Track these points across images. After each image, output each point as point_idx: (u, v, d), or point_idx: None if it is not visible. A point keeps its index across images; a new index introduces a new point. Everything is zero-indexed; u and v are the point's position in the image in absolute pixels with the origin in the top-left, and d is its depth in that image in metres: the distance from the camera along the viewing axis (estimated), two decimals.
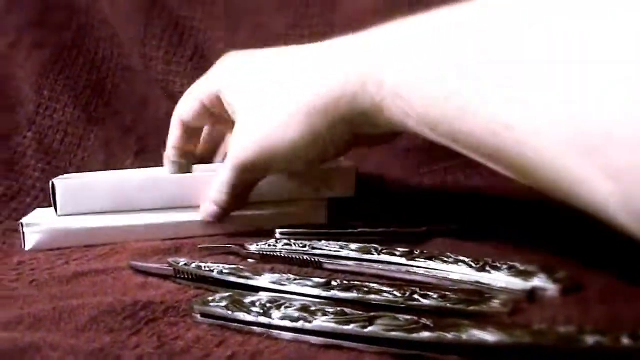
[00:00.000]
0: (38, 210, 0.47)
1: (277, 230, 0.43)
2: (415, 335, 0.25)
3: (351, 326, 0.26)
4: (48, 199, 0.49)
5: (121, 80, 0.63)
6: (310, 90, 0.36)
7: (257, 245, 0.40)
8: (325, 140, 0.37)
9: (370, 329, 0.26)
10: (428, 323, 0.25)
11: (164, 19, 0.62)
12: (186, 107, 0.45)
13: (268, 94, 0.38)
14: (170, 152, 0.46)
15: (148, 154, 0.59)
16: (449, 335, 0.24)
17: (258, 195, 0.45)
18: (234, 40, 0.62)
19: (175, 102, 0.59)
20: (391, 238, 0.41)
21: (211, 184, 0.43)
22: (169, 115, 0.63)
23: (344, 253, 0.38)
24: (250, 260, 0.40)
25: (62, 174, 0.52)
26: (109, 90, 0.62)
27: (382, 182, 0.52)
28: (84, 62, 0.62)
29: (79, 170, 0.55)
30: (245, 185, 0.43)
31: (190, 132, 0.46)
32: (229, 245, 0.41)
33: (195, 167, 0.48)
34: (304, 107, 0.36)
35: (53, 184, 0.43)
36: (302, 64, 0.38)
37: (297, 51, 0.39)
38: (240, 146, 0.40)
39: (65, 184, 0.43)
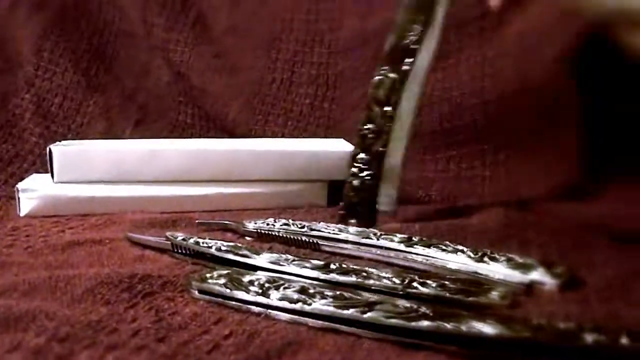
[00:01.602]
0: (34, 175, 0.47)
1: None
2: (414, 324, 0.25)
3: (350, 311, 0.26)
4: (45, 165, 0.49)
5: (122, 46, 0.61)
6: None
7: (255, 223, 0.40)
8: None
9: (369, 314, 0.26)
10: (427, 312, 0.25)
11: None
12: None
13: None
14: None
15: (148, 123, 0.58)
16: (449, 326, 0.24)
17: (258, 173, 0.44)
18: (237, 10, 0.60)
19: (177, 71, 0.58)
20: None
21: (211, 161, 0.42)
22: (170, 84, 0.62)
23: (342, 236, 0.37)
24: (247, 238, 0.40)
25: (60, 139, 0.52)
26: (109, 56, 0.61)
27: None
28: (86, 25, 0.61)
29: (78, 136, 0.55)
30: None
31: None
32: (226, 222, 0.41)
33: (193, 141, 0.48)
34: None
35: (50, 150, 0.42)
36: None
37: None
38: None
39: (62, 151, 0.42)
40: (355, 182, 0.39)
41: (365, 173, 0.39)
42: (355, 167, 0.39)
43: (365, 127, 0.39)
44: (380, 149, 0.38)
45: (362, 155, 0.39)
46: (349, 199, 0.40)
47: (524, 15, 0.48)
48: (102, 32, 0.61)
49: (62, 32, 0.59)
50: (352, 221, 0.40)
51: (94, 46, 0.60)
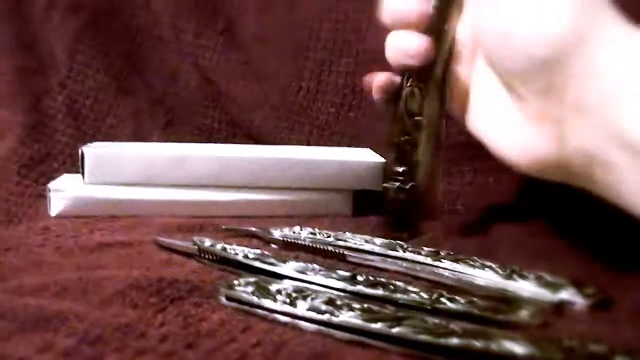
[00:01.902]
0: (65, 176, 0.47)
1: None
2: (443, 340, 0.24)
3: (378, 324, 0.26)
4: (75, 165, 0.50)
5: (153, 50, 0.62)
6: None
7: (281, 231, 0.40)
8: None
9: (398, 329, 0.25)
10: (456, 329, 0.25)
11: None
12: None
13: None
14: None
15: (176, 127, 0.59)
16: (478, 344, 0.24)
17: (285, 180, 0.44)
18: (266, 18, 0.61)
19: (205, 76, 0.58)
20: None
21: (239, 167, 0.43)
22: (198, 89, 0.63)
23: (368, 247, 0.37)
24: (273, 246, 0.40)
25: (90, 141, 0.52)
26: (140, 60, 0.62)
27: None
28: (118, 29, 0.61)
29: (107, 137, 0.55)
30: None
31: None
32: (252, 229, 0.41)
33: (222, 146, 0.48)
34: None
35: (82, 152, 0.43)
36: None
37: None
38: None
39: (94, 153, 0.43)
40: (400, 194, 0.39)
41: (409, 185, 0.39)
42: (395, 179, 0.39)
43: (402, 138, 0.39)
44: (417, 158, 0.39)
45: (400, 167, 0.39)
46: (395, 211, 0.40)
47: None
48: (134, 36, 0.62)
49: (95, 36, 0.60)
50: (398, 234, 0.40)
51: (126, 50, 0.61)
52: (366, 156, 0.49)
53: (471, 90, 0.36)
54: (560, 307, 0.30)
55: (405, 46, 0.37)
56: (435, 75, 0.37)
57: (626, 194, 0.28)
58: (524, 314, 0.28)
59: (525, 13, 0.29)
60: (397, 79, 0.39)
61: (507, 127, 0.33)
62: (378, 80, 0.39)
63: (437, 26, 0.36)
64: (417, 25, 0.36)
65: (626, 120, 0.27)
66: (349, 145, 0.54)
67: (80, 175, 0.44)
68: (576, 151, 0.29)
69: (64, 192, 0.43)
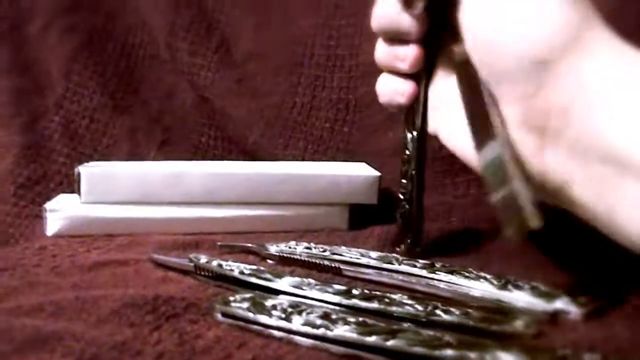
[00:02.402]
0: (62, 195, 0.48)
1: None
2: (438, 352, 0.25)
3: (373, 338, 0.26)
4: (71, 185, 0.50)
5: (149, 69, 0.63)
6: None
7: (277, 246, 0.40)
8: None
9: (392, 342, 0.26)
10: (451, 340, 0.25)
11: (192, 8, 0.62)
12: None
13: None
14: None
15: (173, 145, 0.59)
16: (472, 355, 0.24)
17: (280, 196, 0.45)
18: (261, 36, 0.62)
19: (201, 94, 0.59)
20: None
21: (234, 183, 0.43)
22: (194, 107, 0.63)
23: (364, 261, 0.37)
24: (269, 261, 0.40)
25: (86, 160, 0.53)
26: (136, 79, 0.62)
27: None
28: (114, 48, 0.62)
29: (103, 157, 0.56)
30: None
31: None
32: (248, 245, 0.41)
33: (217, 163, 0.48)
34: None
35: (79, 171, 0.43)
36: None
37: None
38: None
39: (90, 172, 0.43)
40: (404, 206, 0.40)
41: (408, 197, 0.39)
42: (401, 192, 0.40)
43: (405, 154, 0.39)
44: (412, 172, 0.39)
45: (403, 180, 0.40)
46: (402, 222, 0.40)
47: None
48: (129, 55, 0.62)
49: (91, 55, 0.60)
50: (401, 244, 0.40)
51: (121, 69, 0.62)
52: (361, 170, 0.49)
53: (445, 106, 0.36)
54: (555, 317, 0.30)
55: (395, 88, 0.37)
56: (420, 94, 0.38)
57: (604, 214, 0.28)
58: (518, 324, 0.28)
59: (516, 15, 0.30)
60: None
61: None
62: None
63: (429, 42, 0.36)
64: (407, 33, 0.36)
65: (610, 133, 0.27)
66: (344, 160, 0.55)
67: (76, 195, 0.44)
68: (555, 165, 0.29)
69: (61, 212, 0.43)
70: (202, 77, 0.61)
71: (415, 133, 0.38)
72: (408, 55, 0.36)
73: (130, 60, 0.63)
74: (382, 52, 0.38)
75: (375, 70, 0.51)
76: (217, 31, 0.63)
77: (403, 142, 0.39)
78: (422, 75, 0.37)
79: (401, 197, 0.40)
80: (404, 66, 0.37)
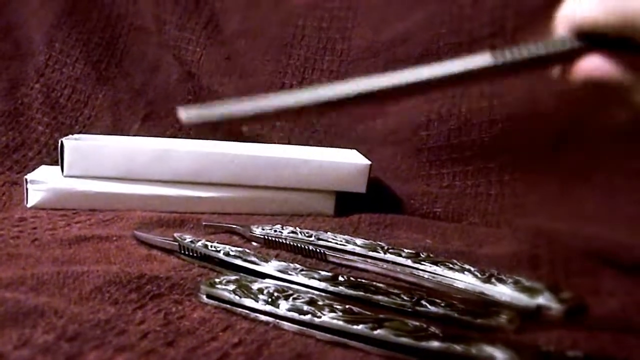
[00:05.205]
0: (43, 167, 0.46)
1: None
2: (424, 344, 0.25)
3: (360, 326, 0.26)
4: (50, 154, 0.49)
5: (134, 41, 0.61)
6: None
7: (263, 229, 0.40)
8: None
9: (379, 331, 0.26)
10: (437, 332, 0.26)
11: None
12: None
13: None
14: None
15: (156, 120, 0.58)
16: (459, 348, 0.24)
17: (267, 179, 0.44)
18: (250, 13, 0.61)
19: (187, 70, 0.57)
20: None
21: (221, 164, 0.42)
22: (179, 82, 0.62)
23: (349, 247, 0.38)
24: (254, 243, 0.40)
25: (67, 131, 0.51)
26: (120, 50, 0.61)
27: (392, 181, 0.51)
28: (98, 17, 0.60)
29: (85, 128, 0.54)
30: None
31: None
32: (233, 226, 0.41)
33: (205, 143, 0.48)
34: None
35: (62, 143, 0.42)
36: None
37: None
38: None
39: (74, 145, 0.42)
40: None
41: None
42: None
43: None
44: None
45: None
46: None
47: (537, 37, 0.49)
48: (114, 25, 0.61)
49: (75, 23, 0.59)
50: None
51: (106, 39, 0.60)
52: (351, 158, 0.49)
53: None
54: (538, 312, 0.31)
55: None
56: None
57: None
58: (502, 318, 0.29)
59: None
60: None
61: None
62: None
63: None
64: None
65: None
66: (331, 144, 0.55)
67: (58, 167, 0.43)
68: None
69: (42, 184, 0.42)
70: (189, 52, 0.60)
71: None
72: None
73: (114, 31, 0.61)
74: None
75: (366, 56, 0.51)
76: (207, 6, 0.62)
77: None
78: None
79: None
80: None
